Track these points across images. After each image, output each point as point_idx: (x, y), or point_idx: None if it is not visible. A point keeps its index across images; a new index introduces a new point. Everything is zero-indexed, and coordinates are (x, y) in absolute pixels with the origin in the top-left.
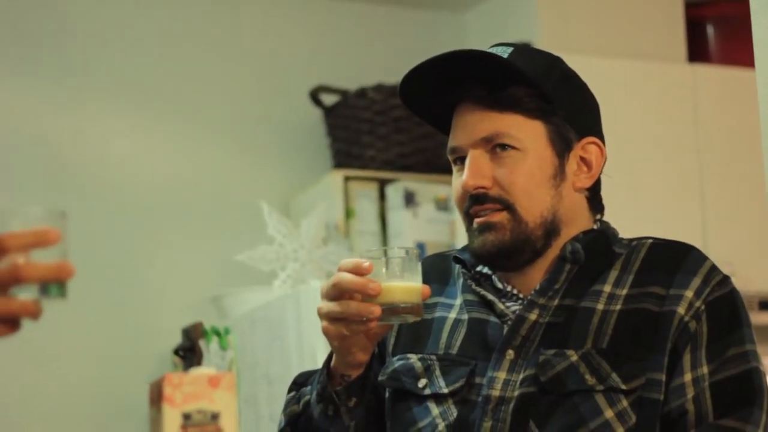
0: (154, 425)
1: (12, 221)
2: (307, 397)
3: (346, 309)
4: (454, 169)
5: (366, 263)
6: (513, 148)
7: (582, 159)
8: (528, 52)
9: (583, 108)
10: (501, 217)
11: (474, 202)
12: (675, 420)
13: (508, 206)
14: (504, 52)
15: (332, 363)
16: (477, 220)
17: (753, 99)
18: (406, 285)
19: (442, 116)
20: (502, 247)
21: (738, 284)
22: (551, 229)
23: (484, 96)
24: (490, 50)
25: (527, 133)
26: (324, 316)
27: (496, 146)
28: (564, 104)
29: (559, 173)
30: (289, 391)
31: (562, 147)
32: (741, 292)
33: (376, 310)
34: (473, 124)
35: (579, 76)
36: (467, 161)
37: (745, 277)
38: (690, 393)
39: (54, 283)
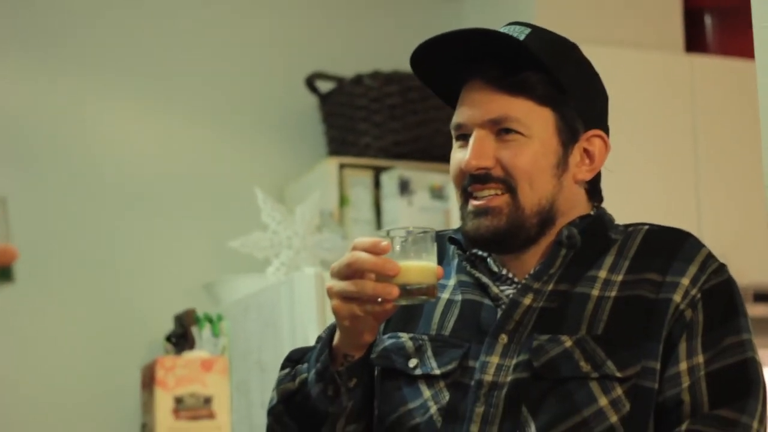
0: (146, 409)
1: None
2: (304, 375)
3: (362, 288)
4: (455, 144)
5: (384, 242)
6: (519, 133)
7: (586, 151)
8: (545, 36)
9: (594, 99)
10: (500, 201)
11: (474, 180)
12: (670, 409)
13: (510, 189)
14: (521, 33)
15: (335, 342)
16: (474, 203)
17: (751, 90)
18: (421, 264)
19: (451, 89)
20: (496, 232)
21: (733, 275)
22: (547, 218)
23: (496, 76)
24: (506, 29)
25: (536, 119)
26: (335, 294)
27: (502, 129)
28: (576, 94)
29: (562, 163)
30: (283, 367)
31: (567, 137)
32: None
33: (395, 291)
34: (482, 104)
35: (592, 65)
36: (472, 140)
37: (740, 268)
38: (685, 382)
39: None
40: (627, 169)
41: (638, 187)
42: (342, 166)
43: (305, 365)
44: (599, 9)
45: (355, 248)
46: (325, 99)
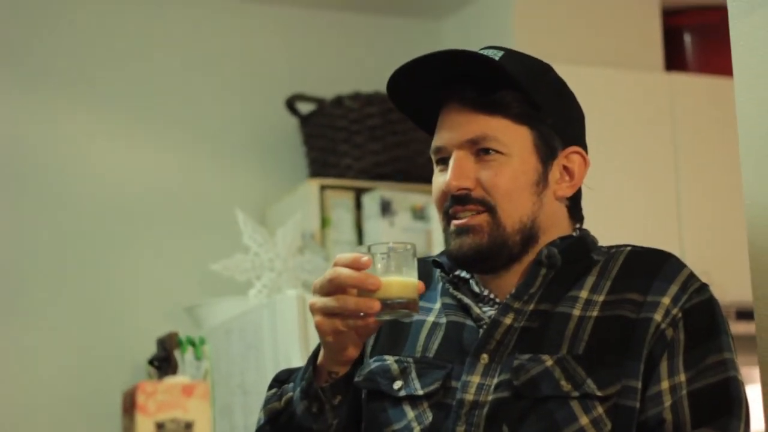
0: None
1: None
2: (290, 394)
3: (343, 304)
4: (436, 168)
5: (365, 257)
6: (498, 152)
7: (565, 168)
8: (519, 57)
9: (570, 118)
10: (480, 220)
11: (455, 202)
12: (652, 428)
13: (489, 208)
14: (495, 55)
15: (319, 360)
16: (455, 222)
17: (730, 107)
18: (403, 280)
19: (428, 115)
20: (479, 250)
21: (715, 294)
22: (529, 236)
23: (472, 98)
24: (481, 51)
25: (513, 137)
26: (318, 310)
27: (481, 149)
28: (552, 112)
29: (542, 180)
30: (270, 388)
31: (546, 154)
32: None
33: (376, 305)
34: (460, 125)
35: (567, 85)
36: (452, 161)
37: (722, 286)
38: (667, 401)
39: None
40: (608, 187)
41: (620, 205)
42: (323, 188)
43: (291, 384)
44: (578, 28)
45: (336, 264)
46: (305, 120)
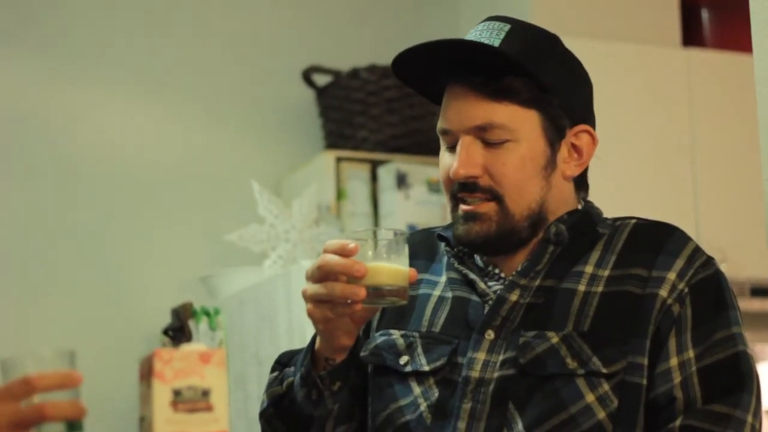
0: (144, 401)
1: (27, 364)
2: (291, 379)
3: (331, 291)
4: (443, 145)
5: (351, 244)
6: (506, 140)
7: (573, 146)
8: (524, 34)
9: (579, 93)
10: (488, 208)
11: (463, 189)
12: (663, 405)
13: (497, 197)
14: (500, 32)
15: (316, 346)
16: (463, 207)
17: (748, 83)
18: (392, 267)
19: (434, 88)
20: (487, 238)
21: (730, 270)
22: (537, 219)
23: (478, 83)
24: (484, 26)
25: (521, 122)
26: (309, 298)
27: (488, 136)
28: (560, 91)
29: (550, 163)
30: (272, 370)
31: (554, 135)
32: (733, 279)
33: (361, 292)
34: (466, 110)
35: (575, 56)
36: (459, 148)
37: (737, 263)
38: (677, 378)
39: (75, 421)
40: (624, 163)
41: (635, 181)
42: (339, 160)
43: (292, 368)
44: (595, 3)
45: (325, 251)
46: (322, 92)
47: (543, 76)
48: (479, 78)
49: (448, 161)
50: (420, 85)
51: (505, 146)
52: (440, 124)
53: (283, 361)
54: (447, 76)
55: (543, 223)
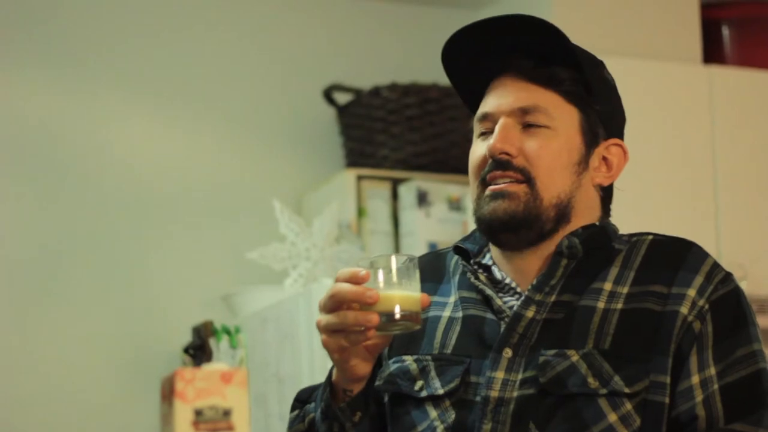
0: (165, 421)
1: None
2: (312, 415)
3: (343, 319)
4: (477, 139)
5: (362, 272)
6: (545, 126)
7: (604, 159)
8: (574, 46)
9: (616, 111)
10: (518, 188)
11: (495, 166)
12: (685, 424)
13: (528, 179)
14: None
15: (333, 378)
16: (492, 187)
17: None
18: (404, 294)
19: (475, 86)
20: (513, 216)
21: (751, 287)
22: (563, 214)
23: (528, 67)
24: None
25: (562, 114)
26: (323, 329)
27: (529, 120)
28: (601, 99)
29: (584, 161)
30: (293, 409)
31: (590, 139)
32: (753, 295)
33: (374, 318)
34: (511, 93)
35: (616, 85)
36: (498, 126)
37: (759, 279)
38: (699, 396)
39: None
40: (645, 180)
41: (656, 198)
42: (360, 178)
43: (312, 405)
44: (617, 20)
45: (337, 279)
46: (343, 111)
47: (590, 76)
48: (529, 63)
49: (480, 149)
50: (462, 77)
51: (544, 132)
52: (481, 109)
53: (302, 398)
54: (495, 66)
55: (566, 220)
